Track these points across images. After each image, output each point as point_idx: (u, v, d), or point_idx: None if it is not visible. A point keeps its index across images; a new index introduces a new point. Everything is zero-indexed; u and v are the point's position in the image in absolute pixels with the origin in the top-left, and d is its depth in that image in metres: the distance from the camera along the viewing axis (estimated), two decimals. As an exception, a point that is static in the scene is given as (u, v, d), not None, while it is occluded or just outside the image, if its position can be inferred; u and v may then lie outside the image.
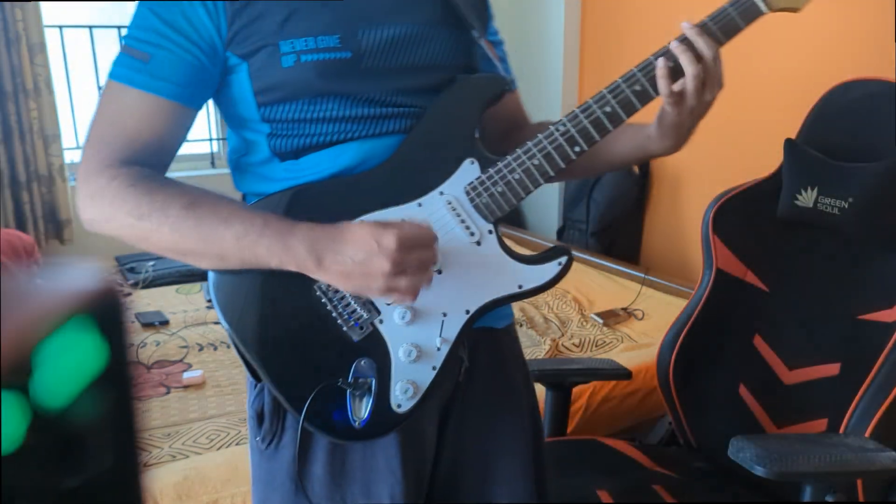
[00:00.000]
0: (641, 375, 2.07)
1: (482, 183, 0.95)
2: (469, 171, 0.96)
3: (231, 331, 0.94)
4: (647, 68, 0.94)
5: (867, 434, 1.32)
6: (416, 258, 0.84)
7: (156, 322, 2.54)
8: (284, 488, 0.99)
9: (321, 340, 0.94)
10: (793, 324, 1.57)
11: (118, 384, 0.29)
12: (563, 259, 0.97)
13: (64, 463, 0.27)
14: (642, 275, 2.86)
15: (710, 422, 1.64)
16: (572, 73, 3.61)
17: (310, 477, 0.98)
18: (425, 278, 0.86)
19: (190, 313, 2.66)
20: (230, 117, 0.98)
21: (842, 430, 1.36)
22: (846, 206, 1.47)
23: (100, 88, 3.69)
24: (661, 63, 0.93)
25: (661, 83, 0.93)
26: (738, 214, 1.65)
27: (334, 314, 0.93)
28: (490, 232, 0.96)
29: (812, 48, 2.55)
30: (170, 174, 0.94)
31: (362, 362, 0.94)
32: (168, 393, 2.07)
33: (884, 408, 1.32)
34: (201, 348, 2.37)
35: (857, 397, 1.36)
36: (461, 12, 1.00)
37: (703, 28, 0.94)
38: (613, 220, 3.32)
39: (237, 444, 1.77)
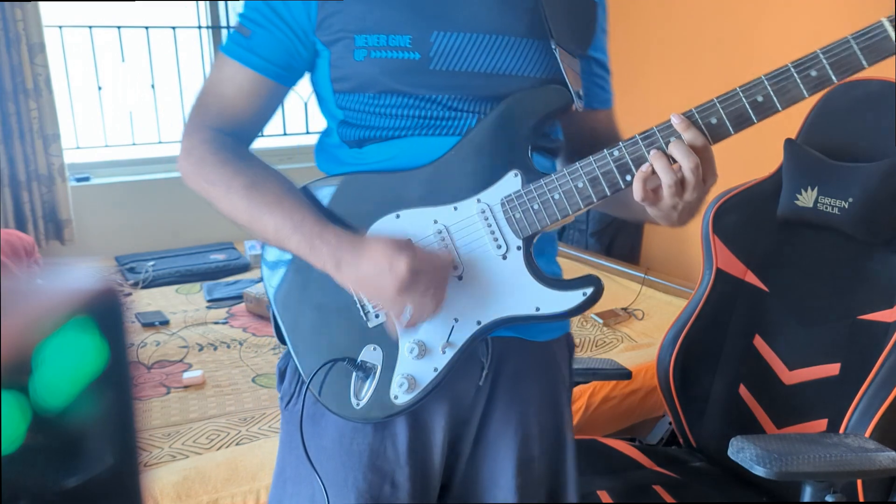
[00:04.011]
0: (641, 375, 2.07)
1: (519, 197, 0.93)
2: (511, 182, 0.94)
3: (267, 287, 1.03)
4: (731, 100, 0.85)
5: (867, 434, 1.32)
6: (423, 287, 0.89)
7: (156, 322, 2.54)
8: (298, 451, 1.02)
9: (340, 320, 0.99)
10: (793, 324, 1.56)
11: (118, 384, 0.29)
12: (589, 290, 0.94)
13: (64, 463, 0.27)
14: (642, 275, 2.86)
15: (710, 422, 1.64)
16: (572, 73, 3.61)
17: (320, 448, 1.02)
18: (428, 309, 0.90)
19: (190, 313, 2.66)
20: (318, 99, 1.05)
21: (842, 430, 1.36)
22: (846, 206, 1.47)
23: (100, 88, 3.67)
24: (645, 167, 0.86)
25: (637, 186, 0.87)
26: (738, 214, 1.65)
27: (356, 298, 0.98)
28: (518, 248, 0.94)
29: (812, 48, 2.54)
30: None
31: (372, 348, 0.98)
32: (168, 393, 2.07)
33: (884, 408, 1.32)
34: (201, 348, 2.37)
35: (857, 397, 1.36)
36: (548, 25, 0.96)
37: (700, 115, 0.86)
38: (613, 220, 3.32)
39: (237, 444, 1.77)
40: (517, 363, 1.05)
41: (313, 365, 0.98)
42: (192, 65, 3.57)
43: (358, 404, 0.97)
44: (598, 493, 1.48)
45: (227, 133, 0.98)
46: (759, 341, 1.60)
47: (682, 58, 3.04)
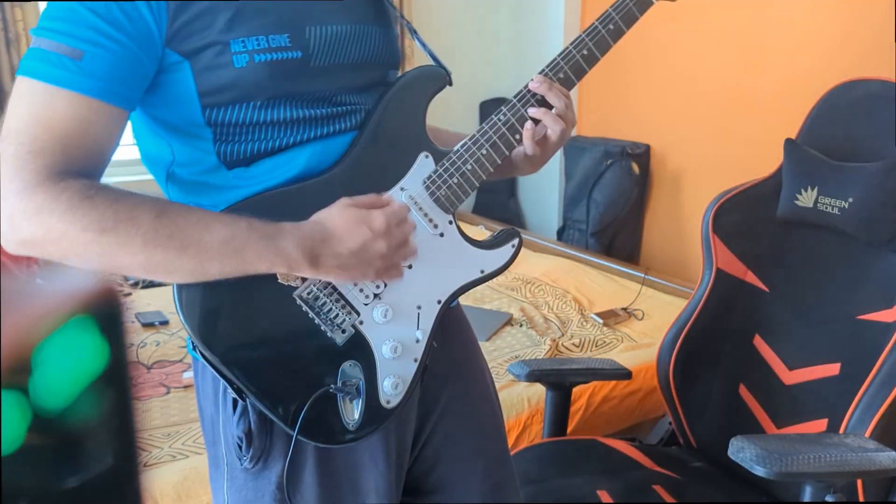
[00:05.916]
0: (641, 375, 2.07)
1: (440, 176, 0.98)
2: (425, 165, 0.98)
3: (209, 352, 0.87)
4: (569, 57, 1.02)
5: (867, 434, 1.32)
6: (401, 232, 0.91)
7: (156, 322, 2.54)
8: None
9: (305, 349, 0.92)
10: (793, 324, 1.57)
11: (118, 384, 0.29)
12: (515, 241, 1.03)
13: (64, 463, 0.27)
14: (642, 275, 2.85)
15: (710, 422, 1.64)
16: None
17: (300, 487, 0.96)
18: (410, 251, 0.93)
19: (190, 313, 2.65)
20: (163, 122, 0.90)
21: (842, 430, 1.36)
22: (846, 206, 1.47)
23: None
24: (529, 125, 0.99)
25: (528, 144, 0.99)
26: (738, 214, 1.65)
27: (316, 321, 0.91)
28: (450, 223, 0.99)
29: (812, 48, 2.55)
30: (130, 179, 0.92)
31: (348, 364, 0.93)
32: (168, 393, 2.07)
33: (884, 408, 1.32)
34: (201, 348, 2.37)
35: (857, 397, 1.36)
36: (388, 9, 1.03)
37: (552, 73, 1.00)
38: (613, 220, 3.32)
39: (237, 444, 1.77)
40: (447, 328, 1.07)
41: (291, 408, 0.90)
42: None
43: (352, 425, 0.93)
44: (598, 492, 1.48)
45: (77, 174, 0.79)
46: (759, 341, 1.60)
47: (683, 58, 3.04)
